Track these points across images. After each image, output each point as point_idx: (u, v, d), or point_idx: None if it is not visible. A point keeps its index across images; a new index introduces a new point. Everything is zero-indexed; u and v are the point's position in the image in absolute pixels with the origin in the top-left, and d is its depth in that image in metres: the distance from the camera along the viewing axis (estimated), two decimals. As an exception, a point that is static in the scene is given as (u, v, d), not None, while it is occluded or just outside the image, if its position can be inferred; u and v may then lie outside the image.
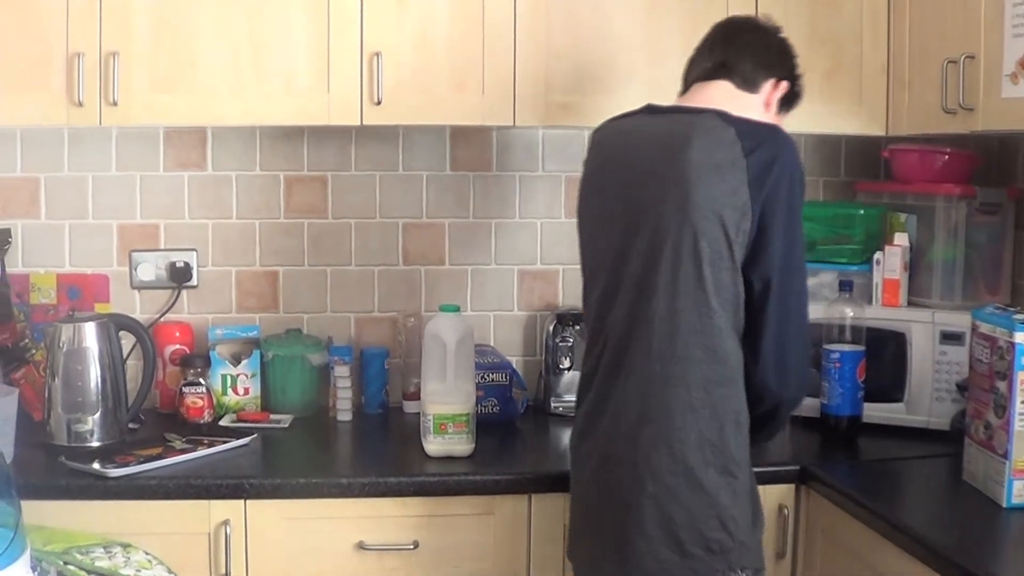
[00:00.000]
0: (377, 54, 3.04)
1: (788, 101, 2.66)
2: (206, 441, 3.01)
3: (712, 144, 2.35)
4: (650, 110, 2.58)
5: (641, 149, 2.48)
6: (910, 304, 3.25)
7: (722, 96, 2.53)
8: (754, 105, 2.56)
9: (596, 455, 2.47)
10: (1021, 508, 2.50)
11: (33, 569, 2.03)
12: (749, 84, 2.57)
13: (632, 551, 2.36)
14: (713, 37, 2.63)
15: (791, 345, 2.39)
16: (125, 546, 2.33)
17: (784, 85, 2.60)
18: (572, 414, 2.68)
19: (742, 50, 2.57)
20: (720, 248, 2.32)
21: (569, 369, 3.45)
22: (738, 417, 2.37)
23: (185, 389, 3.29)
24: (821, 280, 3.39)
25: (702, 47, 2.64)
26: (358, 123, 3.08)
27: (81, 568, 2.19)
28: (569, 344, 3.46)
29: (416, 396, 3.32)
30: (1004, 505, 2.51)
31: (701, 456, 2.32)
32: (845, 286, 3.19)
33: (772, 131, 2.42)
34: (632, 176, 2.47)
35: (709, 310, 2.33)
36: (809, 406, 3.20)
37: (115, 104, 2.98)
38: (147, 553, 2.34)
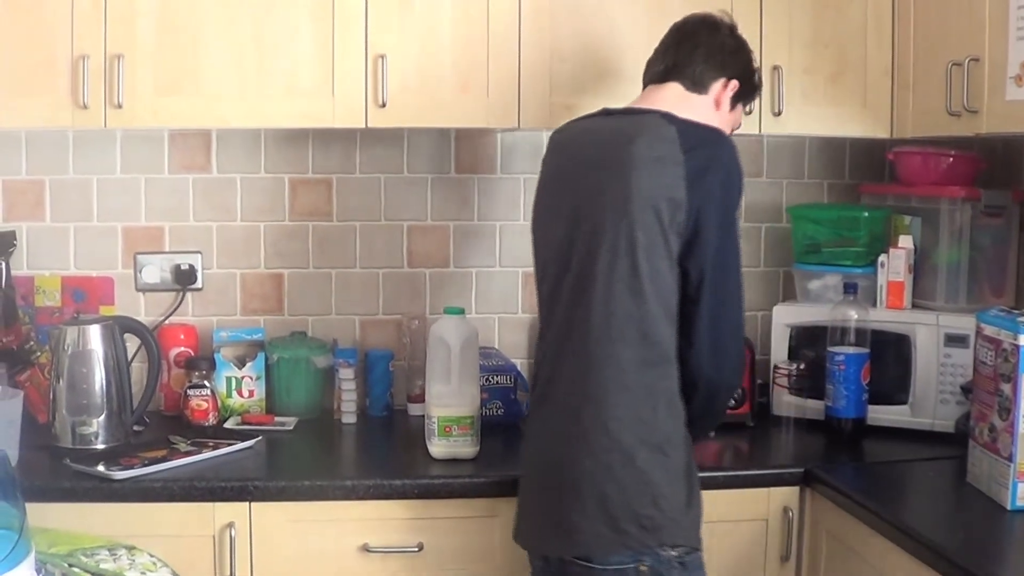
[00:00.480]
0: (381, 56, 3.05)
1: (745, 96, 2.76)
2: (211, 443, 3.02)
3: (654, 140, 2.46)
4: (605, 112, 2.69)
5: (590, 146, 2.61)
6: (914, 307, 3.25)
7: (671, 98, 2.63)
8: (703, 105, 2.64)
9: (543, 435, 2.55)
10: (1025, 511, 2.50)
11: (38, 572, 2.03)
12: (698, 85, 2.65)
13: (571, 527, 2.43)
14: (668, 39, 2.73)
15: (725, 332, 2.49)
16: (130, 548, 2.33)
17: (734, 84, 2.67)
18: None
19: (692, 52, 2.66)
20: (655, 237, 2.41)
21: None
22: (671, 398, 2.45)
23: (190, 391, 3.30)
24: (826, 282, 3.41)
25: (658, 49, 2.74)
26: (362, 125, 3.09)
27: (86, 571, 2.19)
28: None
29: (421, 398, 3.32)
30: (1008, 508, 2.51)
31: (634, 435, 2.40)
32: (849, 288, 3.19)
33: (713, 133, 2.54)
34: (579, 171, 2.58)
35: (643, 296, 2.41)
36: (813, 408, 3.21)
37: (120, 107, 2.98)
38: (152, 555, 2.33)
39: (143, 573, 2.26)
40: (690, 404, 2.48)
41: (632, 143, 2.46)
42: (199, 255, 3.50)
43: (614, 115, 2.65)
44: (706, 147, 2.46)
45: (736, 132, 3.00)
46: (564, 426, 2.48)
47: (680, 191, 2.39)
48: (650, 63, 2.74)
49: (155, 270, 3.48)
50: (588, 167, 2.55)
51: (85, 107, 2.97)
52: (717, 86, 2.66)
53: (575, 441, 2.44)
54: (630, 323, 2.42)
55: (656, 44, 2.76)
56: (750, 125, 3.14)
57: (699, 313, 2.44)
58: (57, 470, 2.81)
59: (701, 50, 2.66)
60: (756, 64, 2.79)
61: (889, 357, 3.20)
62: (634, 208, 2.42)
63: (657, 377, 2.44)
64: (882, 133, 3.26)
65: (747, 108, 2.84)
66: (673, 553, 2.39)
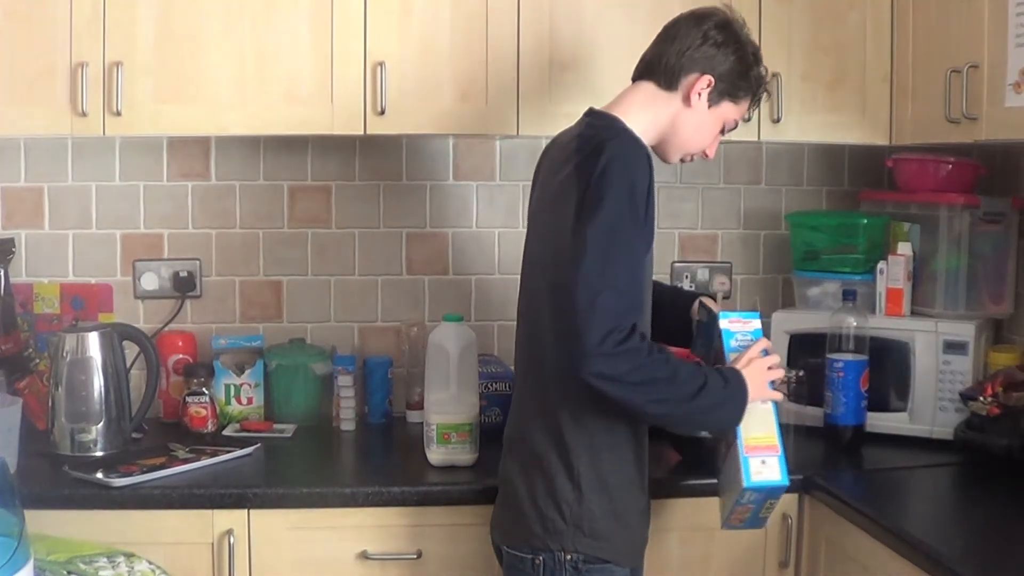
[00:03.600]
0: (380, 63, 3.05)
1: (732, 93, 2.60)
2: (209, 451, 3.02)
3: (563, 147, 2.54)
4: (587, 113, 2.63)
5: (543, 161, 2.71)
6: (913, 313, 3.25)
7: (637, 97, 2.60)
8: (671, 104, 2.58)
9: (505, 436, 2.69)
10: None
11: (36, 579, 2.03)
12: (669, 82, 2.57)
13: (499, 511, 2.64)
14: (656, 37, 2.66)
15: (569, 310, 2.30)
16: (128, 555, 2.33)
17: (707, 79, 2.55)
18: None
19: (667, 47, 2.59)
20: (556, 240, 2.42)
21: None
22: (573, 411, 2.44)
23: (188, 399, 3.29)
24: (825, 289, 3.41)
25: (643, 54, 2.67)
26: (361, 133, 3.09)
27: (84, 578, 2.19)
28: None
29: (419, 406, 3.32)
30: None
31: (544, 440, 2.48)
32: (849, 295, 3.19)
33: (610, 130, 2.47)
34: (536, 185, 2.72)
35: (544, 307, 2.47)
36: (812, 415, 3.20)
37: (119, 114, 2.98)
38: (150, 563, 2.33)
39: (141, 580, 2.26)
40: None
41: (550, 154, 2.63)
42: (198, 262, 3.50)
43: (582, 120, 2.62)
44: (597, 142, 2.41)
45: (734, 139, 3.01)
46: (508, 430, 2.66)
47: (572, 188, 2.39)
48: (641, 60, 2.69)
49: (154, 277, 3.48)
50: (538, 184, 2.68)
51: (84, 115, 2.97)
52: (688, 82, 2.57)
53: (507, 442, 2.64)
54: (544, 331, 2.48)
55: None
56: (749, 132, 3.14)
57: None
58: (56, 477, 2.80)
59: (675, 45, 2.58)
60: (752, 62, 2.62)
61: (888, 364, 3.20)
62: (541, 214, 2.57)
63: (560, 384, 2.43)
64: (881, 140, 3.27)
65: (743, 104, 2.65)
66: (568, 557, 2.45)
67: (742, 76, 2.60)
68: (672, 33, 2.61)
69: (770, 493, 2.47)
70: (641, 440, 2.56)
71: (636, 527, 2.57)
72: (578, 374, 2.29)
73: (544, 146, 2.79)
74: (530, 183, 3.55)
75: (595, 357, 2.27)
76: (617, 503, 2.49)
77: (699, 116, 2.59)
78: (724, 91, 2.58)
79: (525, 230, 2.71)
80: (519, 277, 2.69)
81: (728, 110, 2.62)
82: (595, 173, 2.35)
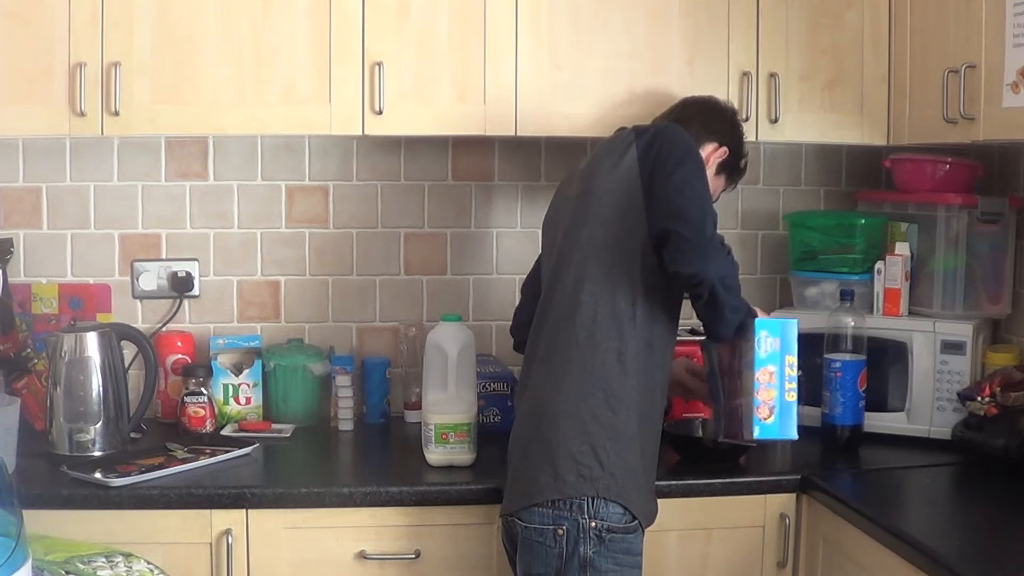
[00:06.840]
0: (378, 64, 3.05)
1: (731, 168, 2.92)
2: (208, 451, 3.02)
3: (614, 150, 2.67)
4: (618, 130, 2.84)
5: (584, 166, 2.80)
6: (911, 314, 3.26)
7: None
8: None
9: (519, 415, 2.71)
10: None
11: (35, 579, 2.03)
12: (695, 140, 2.75)
13: (519, 479, 2.59)
14: (674, 105, 2.95)
15: (692, 233, 2.52)
16: (127, 555, 2.33)
17: (724, 150, 2.86)
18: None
19: (694, 115, 2.88)
20: (614, 211, 2.60)
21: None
22: (621, 357, 2.56)
23: (187, 399, 3.29)
24: (822, 290, 3.41)
25: (660, 115, 2.95)
26: (359, 133, 3.09)
27: (83, 577, 2.19)
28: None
29: (417, 406, 3.32)
30: None
31: (580, 388, 2.55)
32: (846, 296, 3.19)
33: (665, 124, 2.78)
34: (570, 189, 2.79)
35: (606, 268, 2.58)
36: (810, 415, 3.20)
37: (117, 114, 2.98)
38: (149, 562, 2.33)
39: (139, 580, 2.26)
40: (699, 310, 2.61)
41: (600, 164, 2.68)
42: (196, 262, 3.50)
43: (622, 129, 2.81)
44: (653, 130, 2.66)
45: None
46: (530, 395, 2.65)
47: (634, 170, 2.59)
48: (654, 120, 2.90)
49: (152, 277, 3.48)
50: (575, 186, 2.75)
51: (82, 115, 2.97)
52: (710, 147, 2.83)
53: (533, 401, 2.63)
54: (589, 287, 2.58)
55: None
56: (747, 132, 3.14)
57: (667, 237, 2.51)
58: (54, 477, 2.80)
59: (702, 114, 2.88)
60: (746, 151, 2.96)
61: (886, 364, 3.20)
62: (601, 182, 2.64)
63: (605, 335, 2.55)
64: (879, 140, 3.27)
65: (727, 185, 2.96)
66: (593, 524, 2.47)
67: (739, 156, 2.94)
68: (696, 106, 2.92)
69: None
70: (661, 419, 2.70)
71: (652, 495, 2.65)
72: (704, 276, 2.50)
73: (567, 175, 2.91)
74: (529, 184, 3.58)
75: (720, 257, 2.55)
76: (649, 456, 2.61)
77: (709, 180, 2.76)
78: (725, 165, 2.89)
79: (553, 211, 2.86)
80: (540, 255, 2.79)
81: (719, 184, 2.91)
82: (665, 141, 2.60)
